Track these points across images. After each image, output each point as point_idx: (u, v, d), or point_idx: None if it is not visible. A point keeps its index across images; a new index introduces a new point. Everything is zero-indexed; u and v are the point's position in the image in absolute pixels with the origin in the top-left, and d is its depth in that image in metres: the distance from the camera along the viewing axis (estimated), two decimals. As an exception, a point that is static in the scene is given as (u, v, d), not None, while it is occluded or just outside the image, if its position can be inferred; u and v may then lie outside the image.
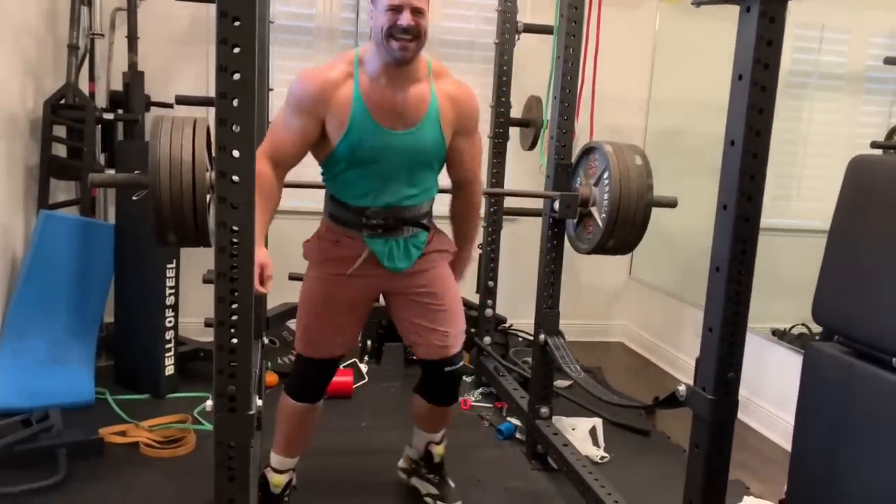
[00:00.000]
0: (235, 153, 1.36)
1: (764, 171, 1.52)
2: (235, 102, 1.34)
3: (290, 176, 3.89)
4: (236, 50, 1.31)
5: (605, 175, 2.33)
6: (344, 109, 1.76)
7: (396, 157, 1.82)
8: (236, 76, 1.32)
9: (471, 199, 2.07)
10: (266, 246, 1.94)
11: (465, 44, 3.83)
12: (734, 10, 1.53)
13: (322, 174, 1.94)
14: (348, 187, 1.86)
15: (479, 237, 2.89)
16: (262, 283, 1.67)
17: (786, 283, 3.03)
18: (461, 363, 2.08)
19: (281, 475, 2.11)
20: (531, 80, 3.57)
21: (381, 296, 2.08)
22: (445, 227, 2.13)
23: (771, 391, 3.04)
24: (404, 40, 1.70)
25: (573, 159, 2.54)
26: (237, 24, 1.30)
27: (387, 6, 1.70)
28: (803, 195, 3.69)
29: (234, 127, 1.34)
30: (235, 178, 1.37)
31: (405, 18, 1.68)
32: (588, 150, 2.48)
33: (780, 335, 3.15)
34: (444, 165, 1.98)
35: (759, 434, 3.04)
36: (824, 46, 3.69)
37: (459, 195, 2.07)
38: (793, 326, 3.15)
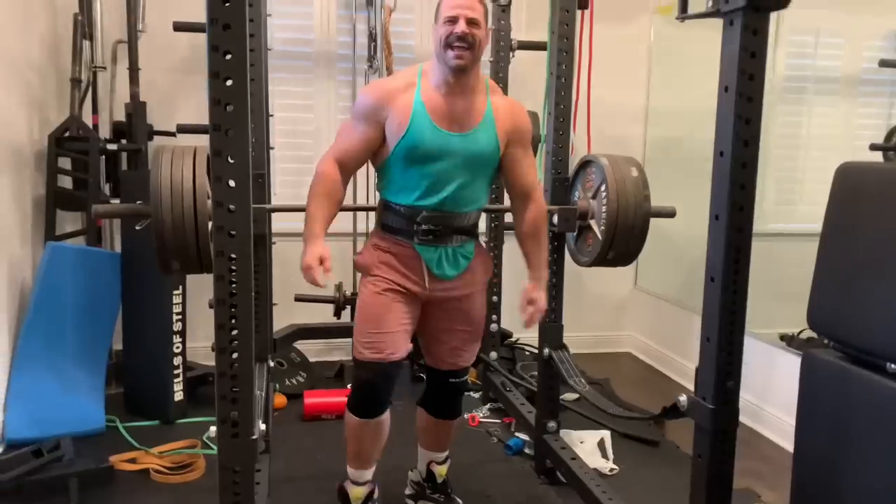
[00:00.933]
0: (231, 183, 1.39)
1: (754, 180, 1.54)
2: (230, 133, 1.37)
3: (293, 199, 3.91)
4: (229, 82, 1.34)
5: (603, 188, 2.35)
6: (405, 111, 1.88)
7: (453, 158, 1.91)
8: (229, 108, 1.35)
9: (536, 211, 2.10)
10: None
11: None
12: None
13: (378, 184, 2.05)
14: (405, 188, 1.94)
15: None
16: (323, 272, 1.80)
17: (792, 288, 3.00)
18: (466, 377, 2.16)
19: (360, 487, 2.16)
20: (528, 96, 3.58)
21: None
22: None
23: (780, 397, 3.02)
24: (459, 48, 1.82)
25: (570, 173, 2.56)
26: (228, 57, 1.33)
27: (445, 18, 1.84)
28: (806, 199, 3.69)
29: (229, 158, 1.37)
30: (232, 206, 1.40)
31: (460, 27, 1.81)
32: (585, 164, 2.50)
33: (788, 340, 3.14)
34: (504, 181, 2.09)
35: (769, 441, 3.02)
36: (819, 51, 3.71)
37: (523, 210, 2.10)
38: (801, 331, 3.13)
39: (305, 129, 3.80)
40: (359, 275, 2.24)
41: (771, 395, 3.07)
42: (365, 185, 3.71)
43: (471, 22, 1.82)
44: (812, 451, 1.57)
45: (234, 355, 1.44)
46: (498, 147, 1.98)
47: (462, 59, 1.83)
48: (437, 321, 2.08)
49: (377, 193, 2.09)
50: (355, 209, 3.74)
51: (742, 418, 1.65)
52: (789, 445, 2.92)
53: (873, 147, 3.03)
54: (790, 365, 2.96)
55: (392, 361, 1.99)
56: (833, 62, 3.71)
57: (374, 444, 2.12)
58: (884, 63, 3.31)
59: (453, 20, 1.82)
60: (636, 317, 4.35)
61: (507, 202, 3.43)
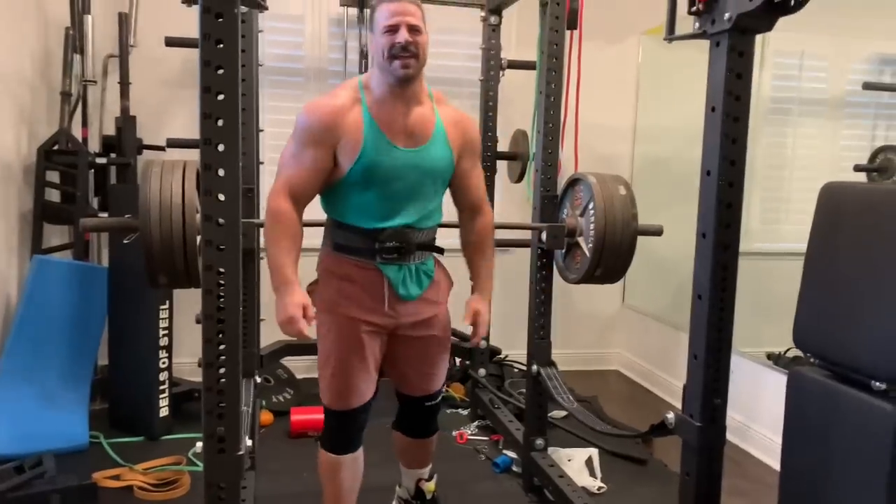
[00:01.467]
0: (221, 196, 1.39)
1: (740, 199, 1.56)
2: (220, 147, 1.37)
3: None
4: (220, 97, 1.35)
5: (591, 206, 2.37)
6: (356, 132, 1.76)
7: (410, 174, 1.82)
8: (220, 122, 1.36)
9: (484, 222, 2.03)
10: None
11: (451, 81, 3.90)
12: (712, 42, 1.57)
13: (325, 204, 1.90)
14: (365, 211, 1.83)
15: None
16: (307, 322, 1.72)
17: (778, 307, 3.03)
18: (440, 396, 2.10)
19: None
20: (518, 114, 3.63)
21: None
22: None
23: (767, 416, 3.03)
24: (404, 58, 1.73)
25: (559, 191, 2.57)
26: (220, 72, 1.34)
27: (384, 28, 1.74)
28: (791, 219, 3.73)
29: (219, 171, 1.38)
30: (221, 220, 1.40)
31: (402, 36, 1.72)
32: (573, 182, 2.52)
33: (775, 359, 3.16)
34: (453, 194, 2.00)
35: (756, 460, 3.03)
36: (804, 73, 3.77)
37: (472, 221, 2.02)
38: (787, 350, 3.16)
39: (296, 145, 3.79)
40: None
41: (758, 413, 3.08)
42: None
43: (412, 29, 1.73)
44: (798, 468, 1.58)
45: (222, 370, 1.43)
46: (452, 159, 1.90)
47: (409, 67, 1.74)
48: (408, 349, 1.97)
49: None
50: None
51: (729, 437, 1.66)
52: (776, 464, 2.92)
53: (857, 168, 3.08)
54: (777, 383, 2.97)
55: (360, 406, 1.93)
56: (818, 84, 3.78)
57: (352, 481, 2.03)
58: (868, 86, 3.37)
59: (394, 29, 1.73)
60: (624, 334, 4.36)
61: (495, 218, 3.47)
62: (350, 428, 1.96)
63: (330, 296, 1.88)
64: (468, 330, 2.03)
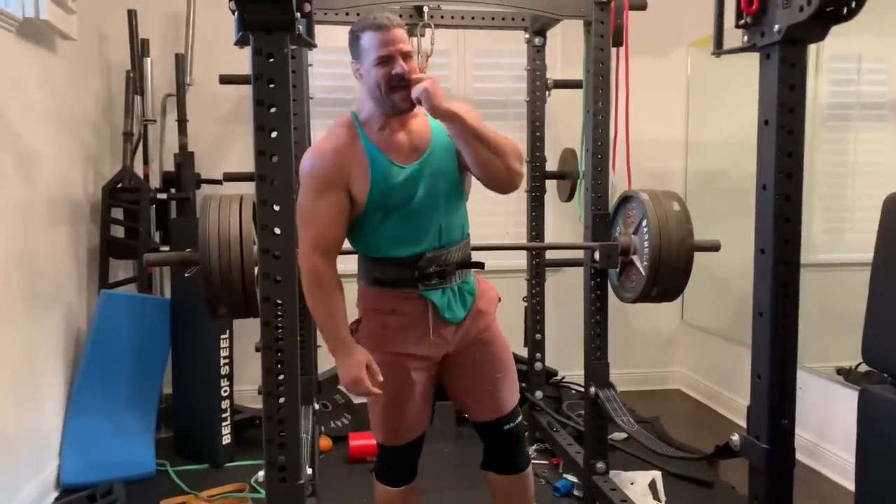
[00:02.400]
0: (277, 230, 1.43)
1: (799, 213, 1.52)
2: (275, 183, 1.41)
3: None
4: (273, 134, 1.39)
5: (644, 223, 2.34)
6: (362, 163, 1.71)
7: (423, 186, 1.75)
8: (274, 159, 1.40)
9: None
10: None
11: (498, 103, 3.92)
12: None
13: (353, 242, 1.85)
14: (393, 241, 1.77)
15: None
16: (373, 384, 1.68)
17: (846, 319, 2.92)
18: (520, 419, 1.98)
19: None
20: (565, 132, 3.62)
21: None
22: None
23: (839, 434, 2.91)
24: (404, 88, 1.67)
25: (611, 209, 2.55)
26: (273, 110, 1.38)
27: (376, 60, 1.66)
28: (857, 227, 3.59)
29: (274, 206, 1.41)
30: (277, 253, 1.43)
31: (399, 67, 1.66)
32: (625, 199, 2.49)
33: (846, 374, 3.03)
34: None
35: (829, 480, 2.90)
36: (863, 77, 3.65)
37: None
38: (858, 364, 3.02)
39: (347, 173, 3.86)
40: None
41: (829, 431, 2.95)
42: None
43: (405, 56, 1.67)
44: (874, 489, 1.51)
45: (281, 400, 1.46)
46: (455, 159, 1.80)
47: (407, 101, 1.68)
48: (458, 372, 1.91)
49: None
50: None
51: (799, 456, 1.60)
52: (849, 484, 2.81)
53: (924, 173, 2.95)
54: (848, 400, 2.85)
55: (413, 441, 1.91)
56: (878, 87, 3.65)
57: None
58: (931, 87, 3.24)
59: (387, 60, 1.65)
60: (684, 352, 4.25)
61: (547, 237, 3.45)
62: (404, 461, 1.95)
63: (375, 331, 1.83)
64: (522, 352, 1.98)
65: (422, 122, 1.81)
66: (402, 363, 1.82)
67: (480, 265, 1.90)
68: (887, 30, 3.28)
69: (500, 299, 2.00)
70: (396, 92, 1.67)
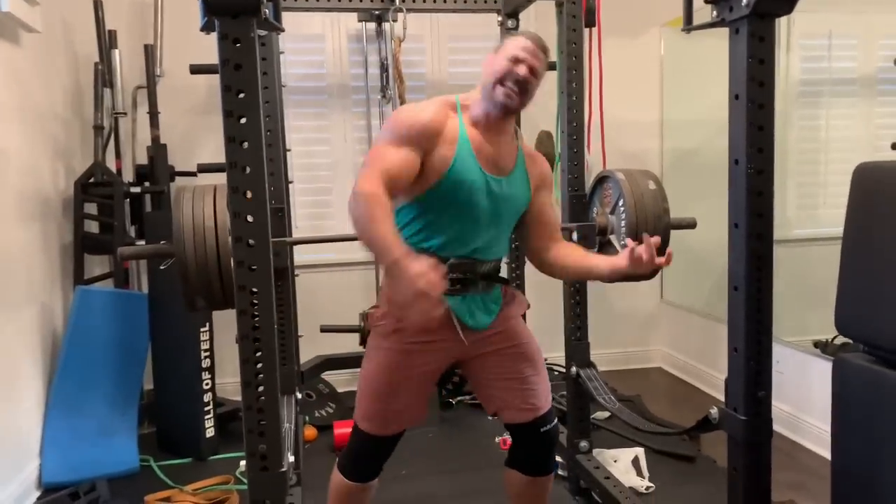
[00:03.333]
0: (249, 218, 1.42)
1: (771, 187, 1.53)
2: (246, 170, 1.40)
3: (313, 231, 3.94)
4: (242, 120, 1.37)
5: (620, 203, 2.35)
6: (451, 144, 1.70)
7: (490, 201, 1.75)
8: (245, 145, 1.38)
9: (565, 242, 1.93)
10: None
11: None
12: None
13: (402, 223, 1.77)
14: (437, 232, 1.74)
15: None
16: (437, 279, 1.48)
17: (822, 293, 2.95)
18: (556, 421, 1.92)
19: None
20: (541, 115, 3.61)
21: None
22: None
23: (817, 406, 2.96)
24: (511, 89, 1.70)
25: (587, 189, 2.55)
26: (241, 96, 1.36)
27: (510, 56, 1.70)
28: (829, 202, 3.64)
29: (246, 193, 1.40)
30: (251, 241, 1.42)
31: (523, 71, 1.69)
32: (601, 179, 2.50)
33: (823, 347, 3.08)
34: (529, 229, 1.88)
35: (809, 451, 2.95)
36: (833, 53, 3.69)
37: (557, 247, 1.88)
38: (835, 337, 3.07)
39: (323, 162, 3.85)
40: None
41: (808, 404, 3.00)
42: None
43: (532, 70, 1.71)
44: (849, 458, 1.53)
45: (260, 388, 1.45)
46: (529, 193, 1.84)
47: (511, 99, 1.70)
48: (489, 373, 1.86)
49: None
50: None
51: (780, 429, 1.63)
52: (829, 454, 2.86)
53: (895, 146, 2.99)
54: (825, 372, 2.88)
55: (398, 434, 1.85)
56: (848, 63, 3.68)
57: None
58: (899, 61, 3.27)
59: (517, 61, 1.69)
60: (664, 330, 4.30)
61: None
62: (378, 455, 1.87)
63: (393, 325, 1.78)
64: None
65: (512, 144, 1.82)
66: (410, 350, 1.78)
67: (505, 280, 1.90)
68: (855, 5, 3.32)
69: (529, 305, 2.00)
70: (503, 87, 1.70)
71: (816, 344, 3.10)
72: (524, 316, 1.96)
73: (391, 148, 1.66)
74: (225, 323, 3.08)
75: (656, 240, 1.65)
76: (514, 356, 1.86)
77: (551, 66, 2.83)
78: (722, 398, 1.66)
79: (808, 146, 3.61)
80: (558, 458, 2.81)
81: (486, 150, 1.74)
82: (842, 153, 3.63)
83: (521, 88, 1.70)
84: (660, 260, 1.64)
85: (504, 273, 3.33)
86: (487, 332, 1.83)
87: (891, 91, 3.58)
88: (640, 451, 2.84)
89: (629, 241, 1.72)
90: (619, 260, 1.73)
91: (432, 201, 1.72)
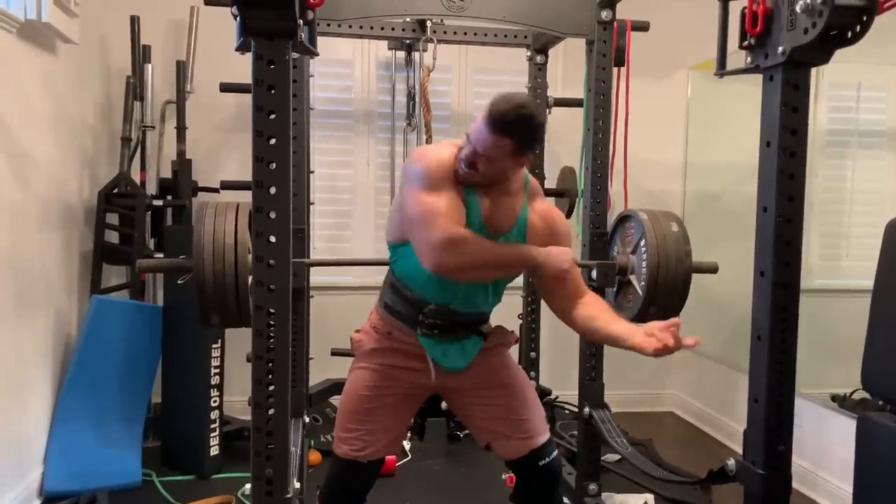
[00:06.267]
0: (272, 238, 1.41)
1: (799, 236, 1.50)
2: (272, 190, 1.39)
3: (331, 253, 3.93)
4: (272, 141, 1.38)
5: (642, 243, 2.33)
6: (460, 192, 1.65)
7: None
8: (272, 165, 1.38)
9: (590, 296, 1.80)
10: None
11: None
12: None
13: (392, 257, 1.80)
14: (414, 282, 1.74)
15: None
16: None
17: (841, 346, 2.91)
18: (555, 453, 1.87)
19: None
20: (564, 151, 3.62)
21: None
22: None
23: (834, 462, 2.88)
24: (471, 173, 1.64)
25: (609, 228, 2.54)
26: (272, 116, 1.37)
27: (472, 151, 1.62)
28: (853, 254, 3.59)
29: (270, 214, 1.40)
30: (272, 261, 1.41)
31: (480, 164, 1.62)
32: (623, 219, 2.48)
33: (841, 401, 3.01)
34: (550, 290, 1.79)
35: (824, 509, 2.87)
36: (862, 105, 3.67)
37: (581, 307, 1.77)
38: (853, 391, 3.01)
39: (345, 185, 3.86)
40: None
41: (824, 459, 2.92)
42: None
43: (489, 161, 1.63)
44: (872, 521, 1.48)
45: (271, 411, 1.43)
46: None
47: (471, 178, 1.65)
48: (474, 410, 1.85)
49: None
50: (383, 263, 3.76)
51: (796, 485, 1.58)
52: (846, 514, 2.79)
53: (922, 201, 2.95)
54: (844, 427, 2.84)
55: (372, 461, 1.79)
56: (877, 115, 3.66)
57: None
58: (930, 116, 3.25)
59: (478, 155, 1.61)
60: (679, 375, 4.23)
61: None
62: (357, 484, 1.82)
63: (370, 342, 1.82)
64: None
65: (515, 204, 1.73)
66: (386, 373, 1.79)
67: (483, 335, 1.85)
68: (887, 58, 3.30)
69: (518, 340, 1.97)
70: (467, 171, 1.63)
71: (834, 398, 3.03)
72: (535, 349, 1.93)
73: (435, 197, 1.60)
74: (237, 340, 3.07)
75: (675, 321, 1.59)
76: (498, 390, 1.84)
77: (577, 104, 2.85)
78: (735, 447, 1.62)
79: (832, 196, 3.57)
80: (566, 500, 2.77)
81: (486, 205, 1.69)
82: (867, 206, 3.59)
83: (481, 176, 1.63)
84: (687, 342, 1.57)
85: (520, 307, 3.34)
86: (465, 374, 1.82)
87: (919, 146, 3.55)
88: (650, 498, 2.78)
89: (647, 335, 1.65)
90: (639, 338, 1.64)
91: (411, 250, 1.66)
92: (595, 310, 1.75)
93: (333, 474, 1.84)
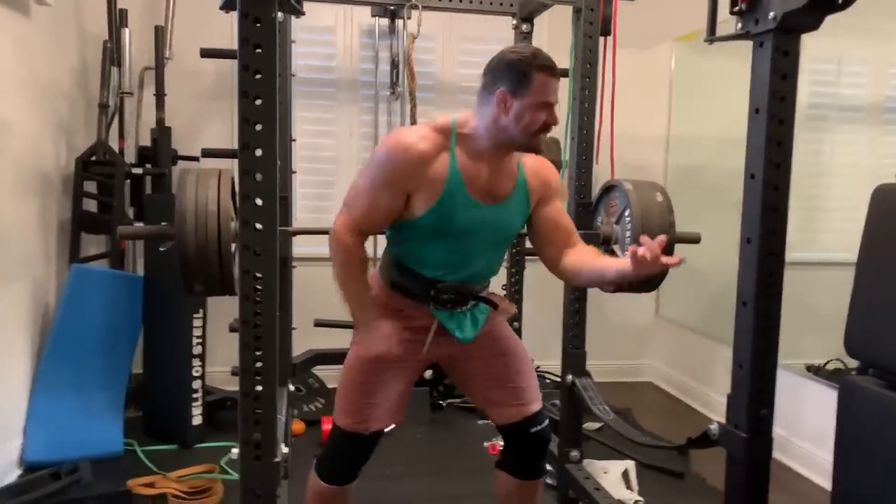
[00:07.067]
0: (258, 201, 1.39)
1: (786, 203, 1.51)
2: (258, 152, 1.37)
3: (313, 224, 3.92)
4: (258, 102, 1.35)
5: (626, 213, 2.33)
6: (437, 182, 1.64)
7: (483, 230, 1.72)
8: (258, 127, 1.36)
9: (583, 245, 1.84)
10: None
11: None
12: (747, 47, 1.54)
13: (391, 237, 1.81)
14: (427, 259, 1.75)
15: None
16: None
17: (817, 318, 2.97)
18: (547, 422, 1.91)
19: None
20: (549, 122, 3.60)
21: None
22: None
23: (809, 429, 2.95)
24: (544, 136, 1.66)
25: (593, 198, 2.54)
26: (258, 76, 1.34)
27: (540, 103, 1.61)
28: (830, 227, 3.64)
29: (256, 176, 1.38)
30: (259, 225, 1.40)
31: (555, 116, 1.65)
32: (608, 189, 2.48)
33: (816, 371, 3.08)
34: (543, 240, 1.84)
35: (798, 475, 2.94)
36: (842, 79, 3.69)
37: (570, 251, 1.81)
38: (828, 362, 3.07)
39: (327, 155, 3.82)
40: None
41: (800, 427, 2.99)
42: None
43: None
44: (852, 481, 1.52)
45: (258, 376, 1.43)
46: (527, 213, 1.80)
47: (541, 143, 1.67)
48: (474, 375, 1.88)
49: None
50: (375, 232, 3.75)
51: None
52: (819, 479, 2.86)
53: (901, 174, 2.99)
54: (819, 396, 2.90)
55: (374, 432, 1.79)
56: (856, 90, 3.69)
57: None
58: (909, 90, 3.28)
59: (550, 107, 1.63)
60: (659, 346, 4.29)
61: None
62: (357, 457, 1.82)
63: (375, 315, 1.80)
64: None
65: (511, 167, 1.75)
66: (388, 350, 1.77)
67: (493, 304, 1.87)
68: (867, 33, 3.32)
69: (515, 311, 1.99)
70: (537, 137, 1.65)
71: (809, 368, 3.10)
72: (517, 319, 1.96)
73: (373, 189, 1.65)
74: (218, 311, 3.05)
75: (661, 239, 1.55)
76: (498, 358, 1.88)
77: (563, 73, 2.83)
78: (712, 415, 1.65)
79: (811, 170, 3.61)
80: (548, 467, 2.80)
81: (480, 181, 1.69)
82: (845, 179, 3.63)
83: (551, 124, 1.66)
84: (669, 259, 1.55)
85: (503, 278, 3.35)
86: (474, 344, 1.83)
87: (898, 120, 3.59)
88: (630, 465, 2.83)
89: (630, 249, 1.60)
90: (624, 262, 1.64)
91: (422, 231, 1.70)
92: (583, 252, 1.81)
93: (334, 445, 1.84)
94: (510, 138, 1.66)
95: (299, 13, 1.46)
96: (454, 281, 1.76)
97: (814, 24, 1.43)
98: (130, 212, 3.35)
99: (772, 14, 1.43)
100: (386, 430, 1.82)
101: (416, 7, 2.96)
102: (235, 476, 2.64)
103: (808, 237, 3.62)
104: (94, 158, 3.21)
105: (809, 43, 1.51)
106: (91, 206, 3.28)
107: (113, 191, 3.19)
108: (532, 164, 1.80)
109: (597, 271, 1.74)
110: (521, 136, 1.64)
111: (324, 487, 1.81)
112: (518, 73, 1.61)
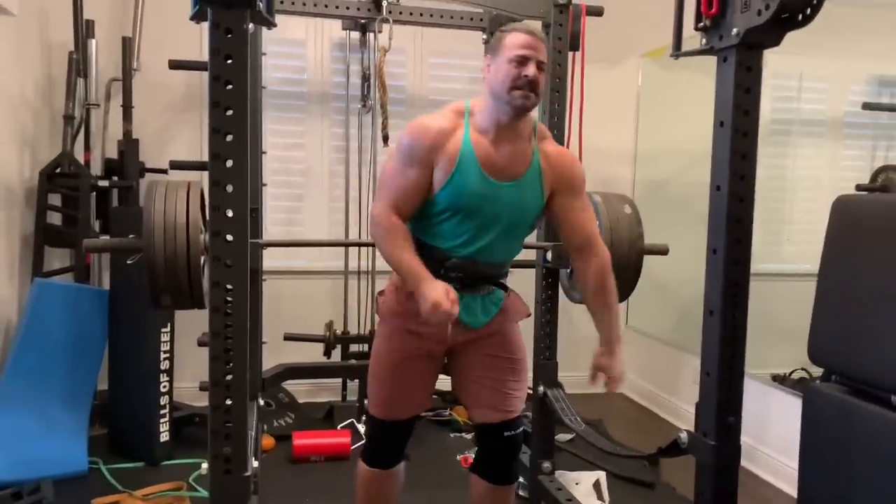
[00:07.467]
0: (229, 213, 1.38)
1: (751, 214, 1.55)
2: (229, 163, 1.36)
3: (284, 235, 3.89)
4: (229, 112, 1.34)
5: (596, 225, 2.36)
6: (452, 155, 1.73)
7: (497, 208, 1.77)
8: (229, 137, 1.35)
9: (598, 264, 1.87)
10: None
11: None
12: (711, 62, 1.58)
13: (412, 222, 1.85)
14: (441, 234, 1.81)
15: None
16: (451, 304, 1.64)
17: (782, 328, 3.03)
18: (521, 429, 1.96)
19: None
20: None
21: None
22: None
23: (775, 438, 3.00)
24: (527, 91, 1.69)
25: (564, 210, 2.56)
26: (229, 87, 1.34)
27: (514, 57, 1.69)
28: (793, 239, 3.73)
29: (227, 187, 1.37)
30: (229, 237, 1.39)
31: (531, 70, 1.68)
32: (578, 201, 2.51)
33: (781, 380, 3.13)
34: (560, 234, 1.90)
35: (765, 482, 2.99)
36: (803, 95, 3.80)
37: (585, 263, 1.88)
38: (792, 371, 3.13)
39: (297, 168, 3.81)
40: (376, 318, 2.10)
41: (766, 435, 3.04)
42: (357, 221, 3.71)
43: (539, 66, 1.70)
44: (817, 486, 1.55)
45: (228, 389, 1.41)
46: (542, 198, 1.83)
47: (528, 99, 1.70)
48: (473, 366, 1.92)
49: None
50: (347, 244, 3.74)
51: (739, 457, 1.63)
52: (785, 486, 2.91)
53: (860, 188, 3.08)
54: (784, 404, 2.95)
55: (408, 419, 1.92)
56: (817, 105, 3.80)
57: (384, 499, 2.00)
58: (867, 106, 3.39)
59: (523, 61, 1.68)
60: (628, 357, 4.22)
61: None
62: (395, 440, 1.95)
63: (393, 306, 1.87)
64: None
65: (525, 148, 1.80)
66: (413, 338, 1.86)
67: (504, 287, 1.92)
68: (827, 51, 3.42)
69: (529, 314, 2.04)
70: (519, 90, 1.69)
71: (775, 377, 3.15)
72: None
73: (400, 169, 1.76)
74: (186, 325, 3.01)
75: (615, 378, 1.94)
76: (502, 360, 1.93)
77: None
78: (681, 425, 1.67)
79: (773, 184, 3.70)
80: (520, 479, 2.80)
81: (492, 157, 1.76)
82: (807, 192, 3.73)
83: (533, 87, 1.70)
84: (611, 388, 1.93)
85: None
86: (482, 332, 1.88)
87: (857, 135, 3.70)
88: (601, 475, 2.84)
89: (593, 363, 1.97)
90: (593, 363, 1.96)
91: (436, 208, 1.78)
92: (592, 297, 1.91)
93: (373, 433, 1.98)
94: (497, 102, 1.73)
95: (271, 25, 1.46)
96: (465, 255, 1.80)
97: (775, 41, 1.48)
98: (96, 225, 3.29)
99: (735, 30, 1.47)
100: (421, 414, 1.96)
101: (387, 21, 2.98)
102: (204, 493, 2.61)
103: (771, 249, 3.70)
104: (59, 171, 3.15)
105: (772, 60, 1.56)
106: (56, 219, 3.22)
107: (78, 203, 3.13)
108: (551, 152, 1.85)
109: (595, 316, 1.94)
110: (500, 93, 1.71)
111: (369, 472, 1.96)
112: (496, 38, 1.77)
